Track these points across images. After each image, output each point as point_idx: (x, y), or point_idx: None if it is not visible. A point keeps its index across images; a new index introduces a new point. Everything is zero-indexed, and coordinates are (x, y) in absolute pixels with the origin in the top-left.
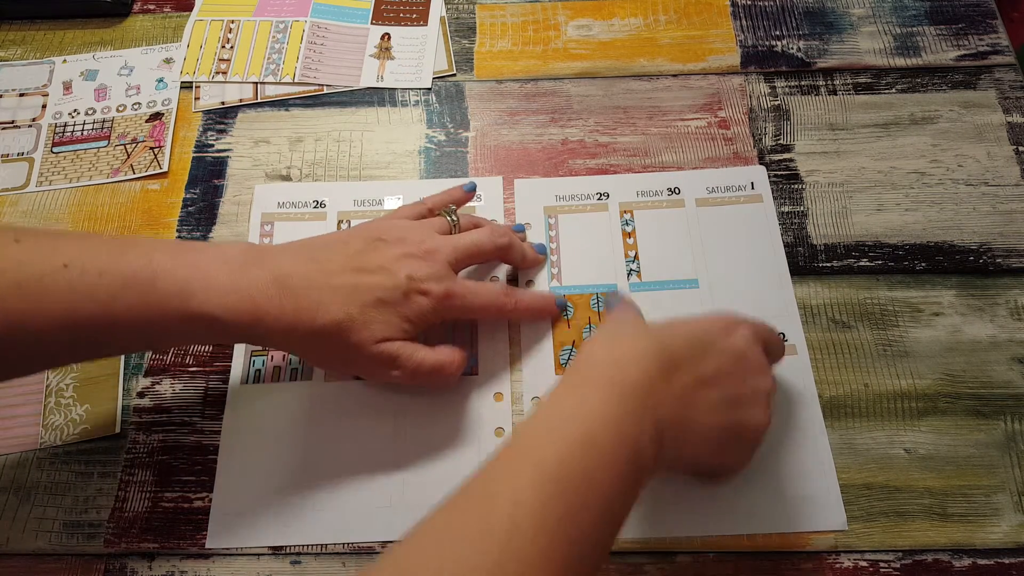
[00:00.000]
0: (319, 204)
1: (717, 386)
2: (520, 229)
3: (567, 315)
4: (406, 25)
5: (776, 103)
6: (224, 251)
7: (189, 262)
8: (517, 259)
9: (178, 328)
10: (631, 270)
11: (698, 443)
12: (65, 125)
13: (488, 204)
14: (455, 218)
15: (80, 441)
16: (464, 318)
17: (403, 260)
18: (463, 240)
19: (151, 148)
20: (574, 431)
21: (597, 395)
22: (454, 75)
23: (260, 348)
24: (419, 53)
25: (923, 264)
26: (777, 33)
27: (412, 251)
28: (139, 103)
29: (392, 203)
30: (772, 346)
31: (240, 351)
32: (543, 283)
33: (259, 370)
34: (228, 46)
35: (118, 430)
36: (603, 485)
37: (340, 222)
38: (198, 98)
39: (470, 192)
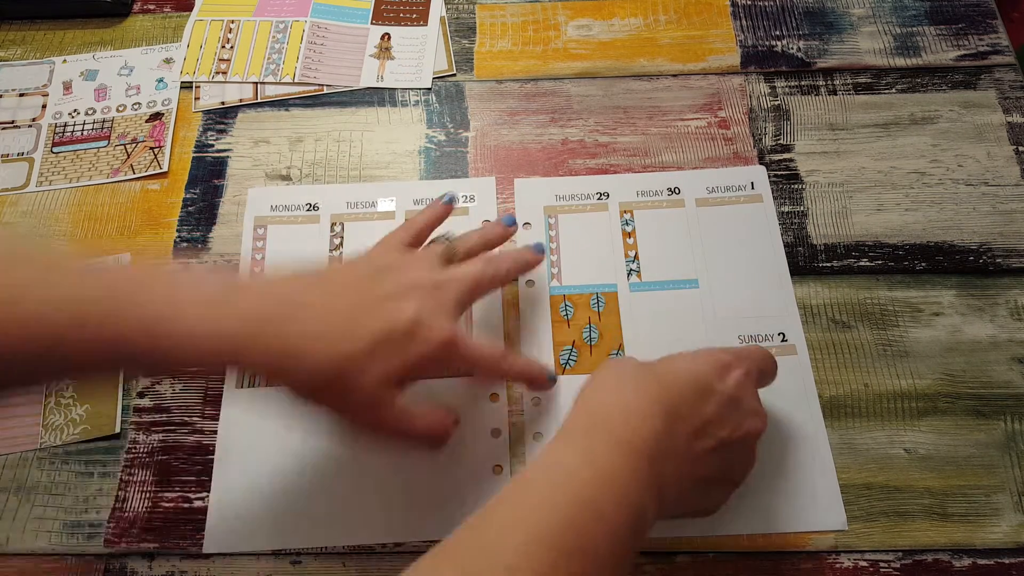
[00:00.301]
0: (312, 207)
1: (713, 434)
2: (511, 222)
3: (552, 380)
4: (406, 25)
5: (776, 103)
6: (200, 282)
7: (160, 297)
8: (520, 272)
9: (144, 367)
10: (631, 270)
11: (689, 492)
12: (65, 125)
13: (480, 205)
14: (456, 252)
15: (80, 441)
16: (456, 366)
17: (412, 295)
18: (467, 277)
19: (151, 148)
20: (579, 494)
21: (606, 455)
22: (454, 75)
23: None
24: (419, 53)
25: (923, 264)
26: (777, 33)
27: (421, 284)
28: (139, 103)
29: (386, 204)
30: (766, 374)
31: None
32: (543, 283)
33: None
34: (228, 46)
35: (118, 430)
36: (603, 555)
37: (334, 224)
38: (198, 98)
39: (449, 204)
